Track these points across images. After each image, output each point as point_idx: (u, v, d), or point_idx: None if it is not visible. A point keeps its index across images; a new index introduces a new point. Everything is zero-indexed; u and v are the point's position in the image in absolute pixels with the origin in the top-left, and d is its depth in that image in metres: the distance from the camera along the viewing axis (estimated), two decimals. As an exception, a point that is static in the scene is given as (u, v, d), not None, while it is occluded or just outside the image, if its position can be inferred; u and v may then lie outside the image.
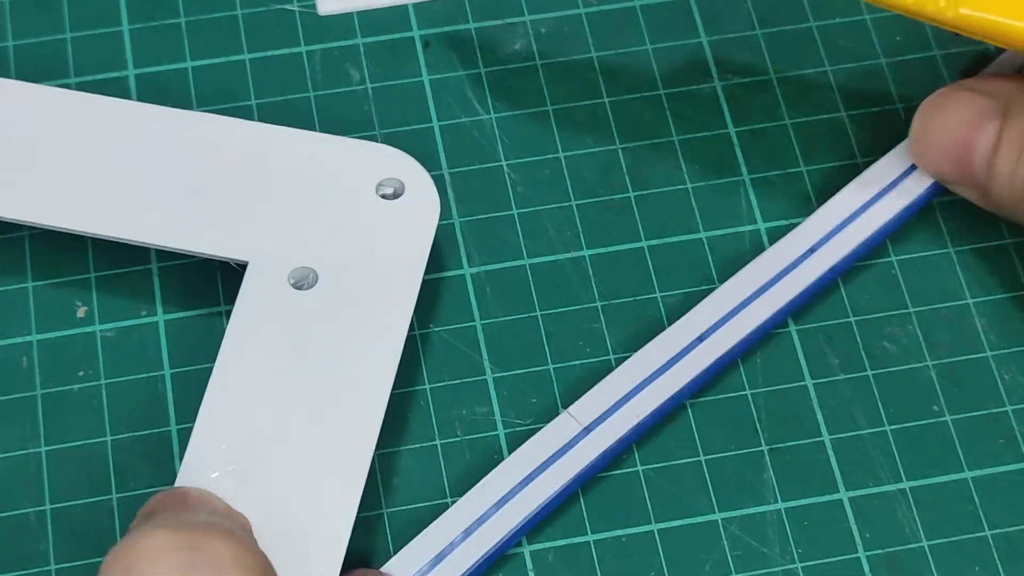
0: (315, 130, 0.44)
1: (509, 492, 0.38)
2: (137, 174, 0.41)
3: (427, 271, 0.43)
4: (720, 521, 0.40)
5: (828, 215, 0.42)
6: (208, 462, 0.37)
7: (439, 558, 0.38)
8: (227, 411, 0.38)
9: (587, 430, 0.39)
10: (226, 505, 0.36)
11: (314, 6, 0.46)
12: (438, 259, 0.43)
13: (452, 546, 0.38)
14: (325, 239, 0.40)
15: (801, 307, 0.42)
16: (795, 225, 0.43)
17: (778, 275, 0.41)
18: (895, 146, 0.43)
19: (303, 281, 0.40)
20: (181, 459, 0.40)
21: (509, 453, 0.40)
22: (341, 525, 0.37)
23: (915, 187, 0.42)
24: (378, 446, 0.40)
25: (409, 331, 0.42)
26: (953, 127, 0.41)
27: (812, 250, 0.42)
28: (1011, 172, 0.40)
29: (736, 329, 0.41)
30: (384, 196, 0.41)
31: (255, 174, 0.41)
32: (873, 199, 0.42)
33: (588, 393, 0.40)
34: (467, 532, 0.38)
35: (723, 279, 0.42)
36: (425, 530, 0.38)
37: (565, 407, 0.40)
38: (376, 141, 0.44)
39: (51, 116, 0.42)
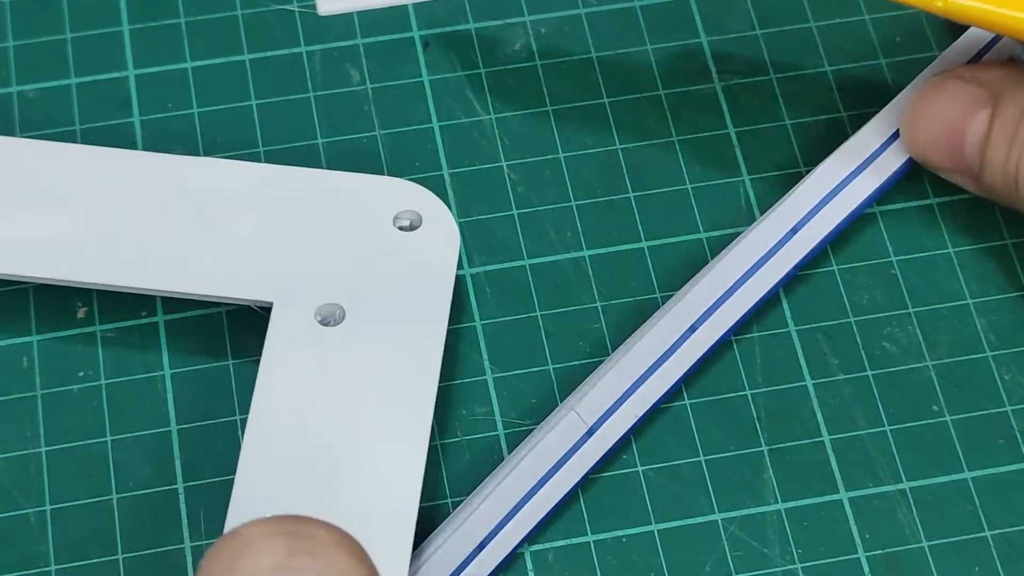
0: (315, 130, 0.44)
1: (526, 495, 0.38)
2: (152, 223, 0.41)
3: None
4: (720, 521, 0.40)
5: (810, 190, 0.42)
6: (254, 512, 0.37)
7: (461, 568, 0.38)
8: (267, 458, 0.38)
9: (591, 431, 0.39)
10: None
11: (314, 6, 0.46)
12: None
13: (475, 552, 0.38)
14: (348, 274, 0.40)
15: (790, 283, 0.42)
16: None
17: (766, 255, 0.41)
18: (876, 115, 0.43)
19: (330, 318, 0.40)
20: (181, 460, 0.40)
21: (509, 453, 0.40)
22: (400, 557, 0.37)
23: (896, 158, 0.43)
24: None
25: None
26: (944, 116, 0.41)
27: (795, 229, 0.42)
28: (1003, 160, 0.40)
29: (728, 314, 0.41)
30: (402, 228, 0.41)
31: (271, 215, 0.41)
32: (856, 171, 0.42)
33: (592, 392, 0.40)
34: (488, 537, 0.38)
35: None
36: (445, 542, 0.38)
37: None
38: (376, 141, 0.44)
39: (63, 173, 0.41)
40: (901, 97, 0.43)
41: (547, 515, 0.39)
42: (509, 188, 0.44)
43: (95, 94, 0.44)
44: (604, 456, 0.39)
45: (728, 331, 0.41)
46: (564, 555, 0.39)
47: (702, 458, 0.40)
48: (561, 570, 0.39)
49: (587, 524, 0.40)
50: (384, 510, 0.37)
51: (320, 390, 0.39)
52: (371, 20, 0.46)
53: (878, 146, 0.43)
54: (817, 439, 0.41)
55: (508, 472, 0.39)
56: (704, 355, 0.40)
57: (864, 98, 0.45)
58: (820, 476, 0.40)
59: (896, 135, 0.43)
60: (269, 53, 0.46)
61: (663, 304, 0.42)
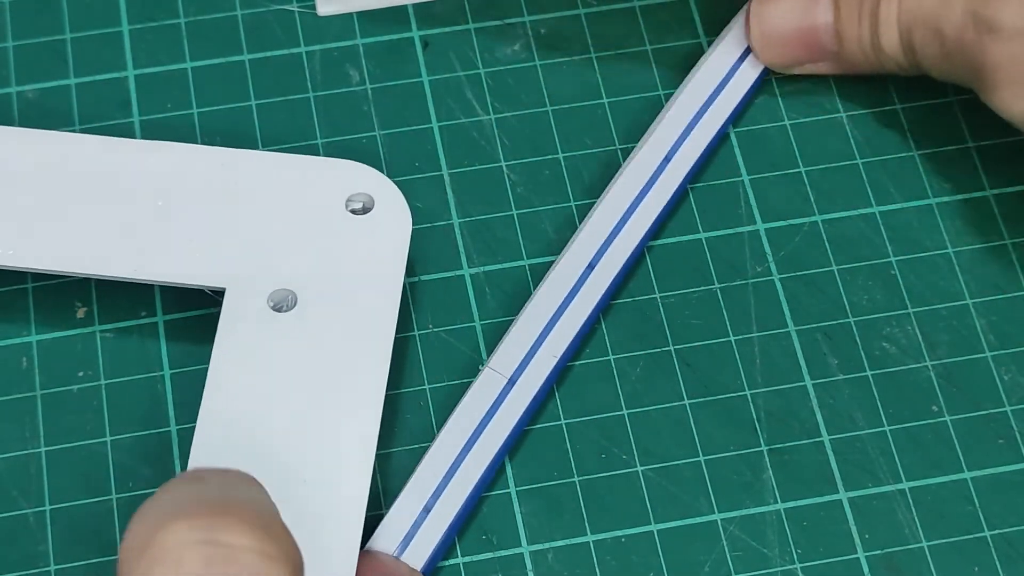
0: (315, 130, 0.44)
1: (458, 455, 0.39)
2: (103, 208, 0.41)
3: (427, 272, 0.43)
4: (719, 521, 0.40)
5: (675, 118, 0.44)
6: None
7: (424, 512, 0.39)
8: (220, 442, 0.38)
9: (512, 381, 0.40)
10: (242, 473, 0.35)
11: (314, 7, 0.46)
12: (438, 260, 0.43)
13: (421, 518, 0.39)
14: (300, 259, 0.40)
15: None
16: (794, 226, 0.43)
17: (645, 186, 0.43)
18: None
19: (283, 303, 0.40)
20: (181, 460, 0.40)
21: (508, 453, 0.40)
22: (351, 532, 0.37)
23: (751, 72, 0.45)
24: (380, 447, 0.40)
25: (409, 332, 0.42)
26: (789, 13, 0.44)
27: (668, 158, 0.43)
28: (857, 34, 0.43)
29: (620, 249, 0.42)
30: (354, 211, 0.41)
31: (223, 200, 0.41)
32: (713, 94, 0.44)
33: (503, 343, 0.40)
34: (431, 501, 0.39)
35: (722, 280, 0.42)
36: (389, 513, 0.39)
37: (562, 407, 0.40)
38: (376, 141, 0.44)
39: (8, 157, 0.41)
40: (740, 15, 0.45)
41: (485, 473, 0.39)
42: (509, 188, 0.44)
43: (95, 94, 0.44)
44: (533, 404, 0.40)
45: (624, 265, 0.42)
46: (564, 555, 0.39)
47: (702, 458, 0.40)
48: (560, 570, 0.39)
49: (587, 524, 0.40)
50: (336, 490, 0.38)
51: (273, 375, 0.39)
52: (371, 20, 0.46)
53: (732, 65, 0.45)
54: (817, 439, 0.41)
55: (434, 438, 0.40)
56: (605, 292, 0.41)
57: (863, 98, 0.46)
58: (820, 476, 0.40)
59: (747, 52, 0.45)
60: (269, 53, 0.46)
61: (664, 306, 0.42)
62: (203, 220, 0.41)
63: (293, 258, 0.40)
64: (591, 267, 0.41)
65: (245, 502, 0.31)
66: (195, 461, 0.38)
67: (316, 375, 0.39)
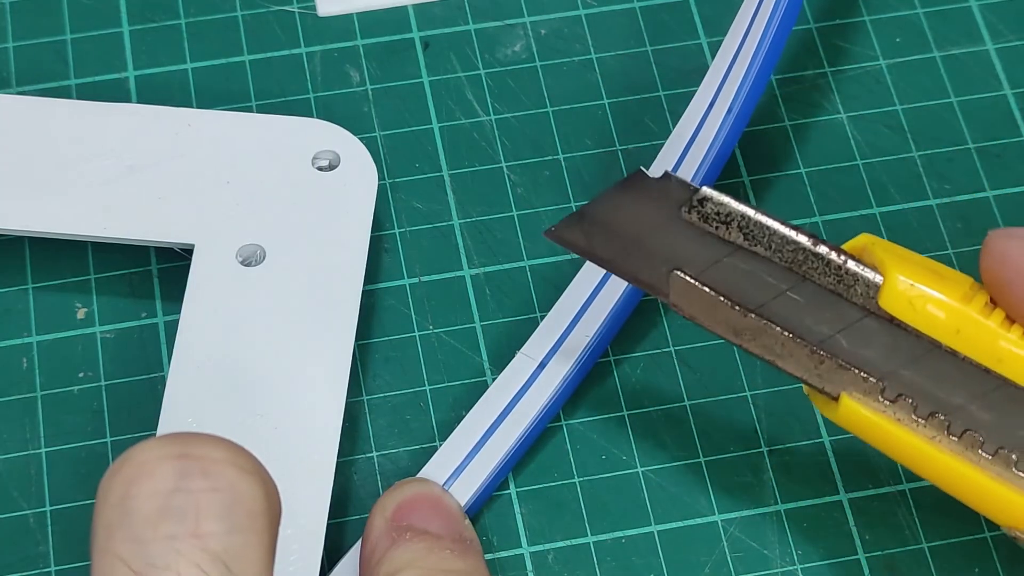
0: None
1: (486, 432, 0.39)
2: (70, 169, 0.41)
3: (426, 273, 0.43)
4: (720, 522, 0.40)
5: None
6: None
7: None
8: (191, 398, 0.38)
9: (542, 364, 0.40)
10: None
11: (314, 7, 0.46)
12: (438, 260, 0.43)
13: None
14: (268, 216, 0.41)
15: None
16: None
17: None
18: None
19: (251, 258, 0.40)
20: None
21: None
22: (323, 480, 0.38)
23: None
24: (379, 447, 0.40)
25: (409, 332, 0.42)
26: None
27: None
28: None
29: None
30: (320, 168, 0.42)
31: (191, 159, 0.42)
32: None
33: (535, 334, 0.41)
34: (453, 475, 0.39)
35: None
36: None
37: (563, 410, 0.40)
38: (376, 142, 0.44)
39: None
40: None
41: (513, 452, 0.39)
42: (509, 189, 0.44)
43: (95, 95, 0.44)
44: (565, 387, 0.40)
45: None
46: (564, 556, 0.39)
47: (702, 459, 0.40)
48: (560, 571, 0.39)
49: (587, 525, 0.40)
50: (307, 438, 0.38)
51: (243, 329, 0.39)
52: (371, 21, 0.46)
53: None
54: (817, 440, 0.41)
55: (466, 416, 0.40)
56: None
57: (863, 98, 0.46)
58: (820, 477, 0.40)
59: None
60: (269, 54, 0.46)
61: (663, 306, 0.42)
62: (171, 179, 0.41)
63: (261, 214, 0.41)
64: None
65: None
66: (166, 416, 0.38)
67: (286, 328, 0.40)
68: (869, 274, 0.35)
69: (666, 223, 0.36)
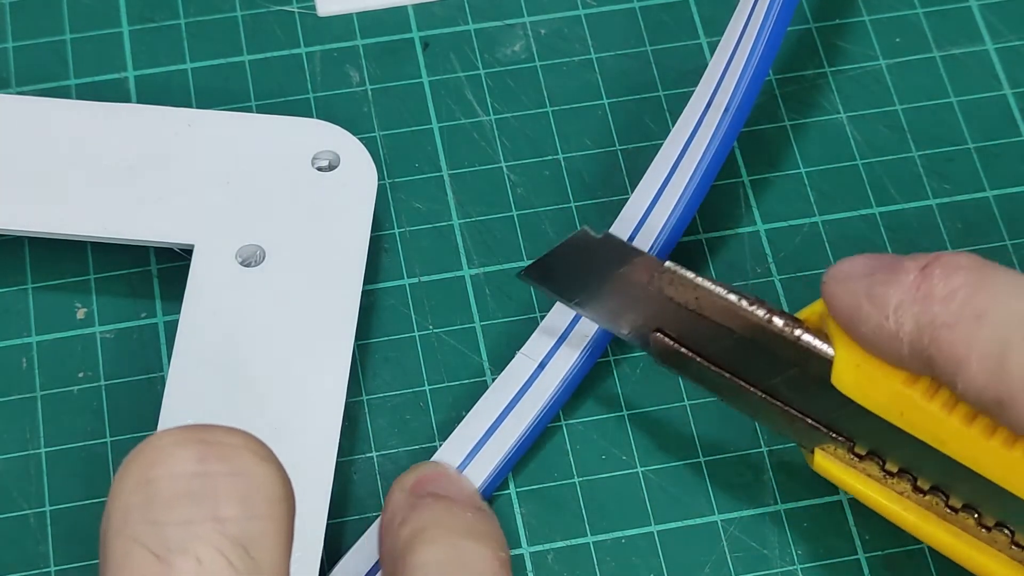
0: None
1: (487, 430, 0.40)
2: (70, 169, 0.41)
3: (426, 273, 0.43)
4: (720, 523, 0.40)
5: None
6: None
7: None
8: (191, 400, 0.38)
9: (542, 364, 0.40)
10: None
11: (314, 7, 0.46)
12: (438, 260, 0.43)
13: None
14: (268, 216, 0.41)
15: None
16: (794, 227, 0.43)
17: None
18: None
19: (251, 259, 0.40)
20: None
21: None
22: (322, 481, 0.38)
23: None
24: (379, 447, 0.40)
25: (409, 332, 0.42)
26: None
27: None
28: None
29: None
30: (320, 169, 0.42)
31: (191, 159, 0.42)
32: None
33: (534, 335, 0.41)
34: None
35: (722, 280, 0.42)
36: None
37: (563, 410, 0.40)
38: (376, 142, 0.44)
39: None
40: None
41: (513, 452, 0.39)
42: (509, 189, 0.44)
43: (95, 95, 0.44)
44: (565, 388, 0.40)
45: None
46: (563, 556, 0.39)
47: (702, 459, 0.40)
48: (560, 571, 0.39)
49: (587, 525, 0.40)
50: (307, 439, 0.38)
51: (242, 330, 0.39)
52: (371, 21, 0.46)
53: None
54: (817, 440, 0.41)
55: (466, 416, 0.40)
56: None
57: (863, 98, 0.46)
58: (820, 477, 0.40)
59: None
60: (269, 54, 0.46)
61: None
62: (170, 179, 0.41)
63: (261, 215, 0.41)
64: None
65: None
66: (166, 416, 0.38)
67: (285, 328, 0.40)
68: (824, 348, 0.35)
69: (642, 287, 0.37)
